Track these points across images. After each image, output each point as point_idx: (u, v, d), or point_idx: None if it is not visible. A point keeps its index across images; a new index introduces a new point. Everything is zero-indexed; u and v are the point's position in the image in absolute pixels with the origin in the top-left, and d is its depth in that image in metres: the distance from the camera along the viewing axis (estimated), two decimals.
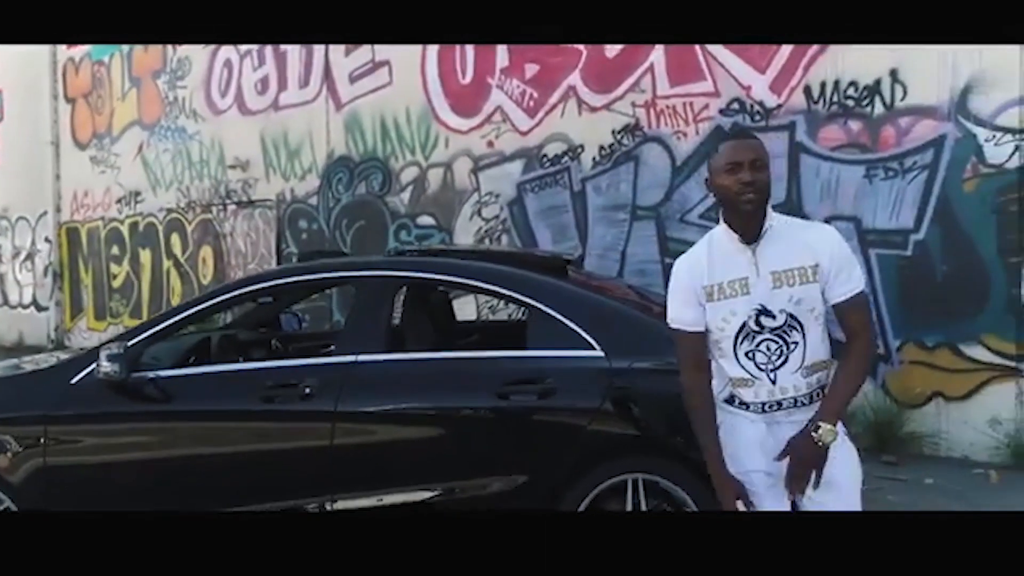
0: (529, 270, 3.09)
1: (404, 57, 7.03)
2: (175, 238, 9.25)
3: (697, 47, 5.46)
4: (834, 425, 1.86)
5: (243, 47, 8.37)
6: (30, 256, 11.31)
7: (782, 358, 1.93)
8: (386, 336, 2.84)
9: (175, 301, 9.23)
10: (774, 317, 1.92)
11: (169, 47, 9.14)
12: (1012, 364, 4.57)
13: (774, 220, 1.95)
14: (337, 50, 7.55)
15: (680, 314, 2.03)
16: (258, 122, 8.28)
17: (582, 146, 6.09)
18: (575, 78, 6.08)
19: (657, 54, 5.66)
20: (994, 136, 4.53)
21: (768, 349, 1.93)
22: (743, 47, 5.24)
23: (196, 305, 2.94)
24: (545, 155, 6.30)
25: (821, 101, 5.08)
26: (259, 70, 8.25)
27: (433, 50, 6.86)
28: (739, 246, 1.94)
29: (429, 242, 6.99)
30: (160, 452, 2.77)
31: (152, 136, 9.45)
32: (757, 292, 1.93)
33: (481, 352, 2.92)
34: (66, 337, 10.72)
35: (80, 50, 10.37)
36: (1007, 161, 4.51)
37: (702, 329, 2.00)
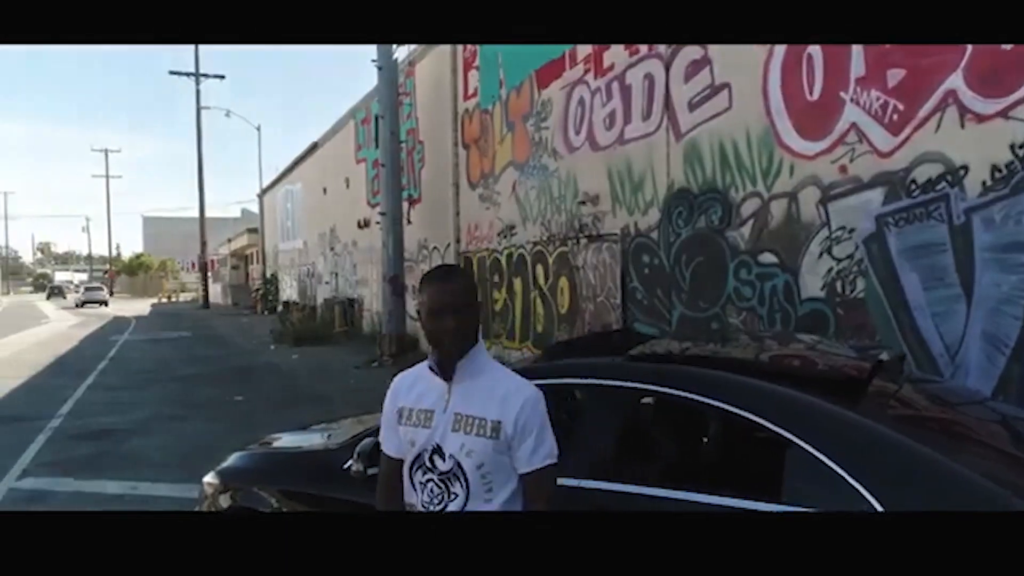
0: (804, 385, 2.40)
1: (744, 78, 6.36)
2: (539, 269, 9.94)
3: None
4: None
5: (594, 84, 8.58)
6: None
7: (441, 506, 1.88)
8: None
9: (539, 328, 9.93)
10: (444, 460, 1.88)
11: (535, 91, 9.86)
12: None
13: (478, 361, 1.90)
14: (677, 78, 7.20)
15: (383, 435, 2.04)
16: (606, 157, 8.39)
17: (966, 167, 4.71)
18: (956, 80, 4.72)
19: None
20: None
21: (432, 492, 1.90)
22: None
23: None
24: (914, 180, 5.04)
25: None
26: (607, 105, 8.35)
27: (776, 67, 6.05)
28: (438, 378, 1.92)
29: (772, 283, 6.20)
30: None
31: (522, 175, 10.31)
32: (437, 429, 1.89)
33: (701, 496, 2.31)
34: None
35: (472, 101, 11.86)
36: None
37: (400, 457, 1.97)
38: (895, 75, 5.10)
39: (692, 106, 7.02)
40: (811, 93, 5.77)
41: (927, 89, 4.90)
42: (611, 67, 8.25)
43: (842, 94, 5.50)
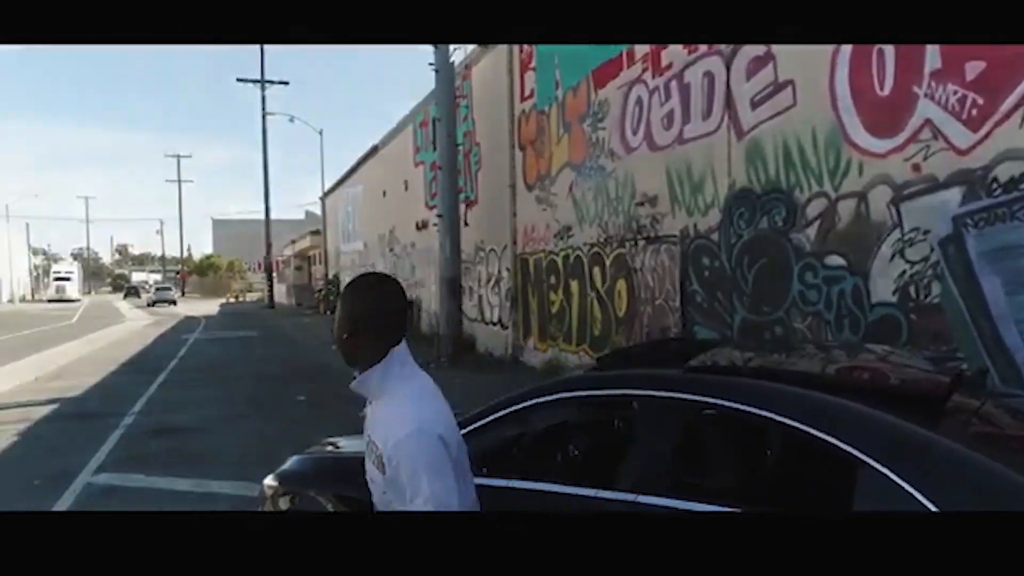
0: (877, 400, 2.27)
1: (809, 73, 6.13)
2: (596, 271, 9.82)
3: None
4: None
5: (652, 83, 8.42)
6: (497, 282, 13.40)
7: None
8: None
9: (596, 331, 9.82)
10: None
11: (592, 91, 9.75)
12: None
13: (381, 381, 1.73)
14: (738, 76, 7.00)
15: None
16: (664, 157, 8.22)
17: None
18: None
19: None
20: None
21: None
22: None
23: (477, 420, 2.92)
24: (995, 179, 4.76)
25: None
26: (665, 105, 8.18)
27: (843, 61, 5.81)
28: None
29: (840, 287, 5.96)
30: None
31: (579, 176, 10.21)
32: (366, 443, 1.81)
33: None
34: (520, 353, 12.37)
35: (529, 102, 11.82)
36: None
37: None
38: (974, 68, 4.82)
39: (754, 104, 6.81)
40: (882, 88, 5.51)
41: (1010, 82, 4.61)
42: (669, 66, 8.09)
43: (915, 88, 5.23)
